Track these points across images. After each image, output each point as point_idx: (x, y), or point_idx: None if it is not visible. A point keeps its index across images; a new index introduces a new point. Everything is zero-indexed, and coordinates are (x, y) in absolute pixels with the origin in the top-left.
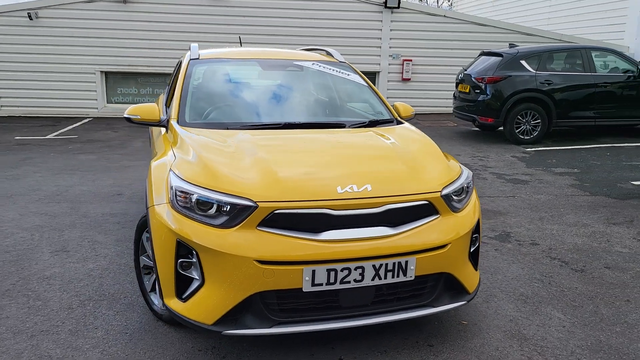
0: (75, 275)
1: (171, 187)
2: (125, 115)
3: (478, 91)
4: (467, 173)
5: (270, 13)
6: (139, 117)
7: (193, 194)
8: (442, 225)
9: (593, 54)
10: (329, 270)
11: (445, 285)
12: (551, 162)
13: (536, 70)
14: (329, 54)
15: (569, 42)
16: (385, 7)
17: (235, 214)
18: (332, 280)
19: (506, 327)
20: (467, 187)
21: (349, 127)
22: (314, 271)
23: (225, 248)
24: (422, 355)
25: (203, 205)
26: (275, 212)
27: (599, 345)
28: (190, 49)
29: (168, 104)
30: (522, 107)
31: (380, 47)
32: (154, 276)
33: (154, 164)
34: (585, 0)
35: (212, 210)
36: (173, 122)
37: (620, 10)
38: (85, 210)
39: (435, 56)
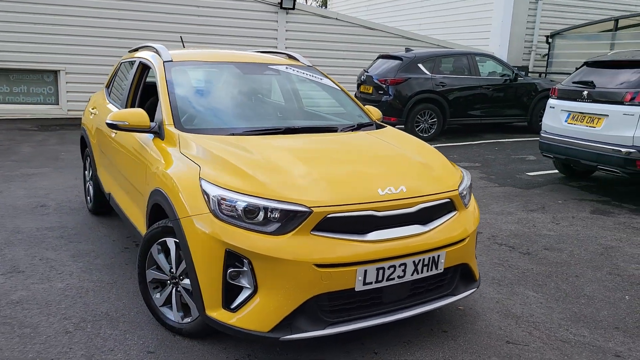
0: (49, 297)
1: (212, 196)
2: (110, 122)
3: (381, 92)
4: (466, 172)
5: (161, 9)
6: (127, 123)
7: (240, 202)
8: (460, 220)
9: (477, 59)
10: (378, 269)
11: (461, 274)
12: (453, 157)
13: (431, 73)
14: (292, 57)
15: (447, 47)
16: (281, 7)
17: (288, 220)
18: (380, 278)
19: (497, 308)
20: (470, 184)
21: (341, 130)
22: (365, 271)
23: (284, 254)
24: (441, 341)
25: (250, 213)
26: (328, 216)
27: (576, 316)
28: (157, 50)
29: (129, 106)
30: (420, 107)
31: (276, 47)
32: (169, 289)
33: (172, 173)
34: (454, 8)
35: (260, 218)
36: (170, 128)
37: (485, 19)
38: (14, 225)
39: (328, 57)
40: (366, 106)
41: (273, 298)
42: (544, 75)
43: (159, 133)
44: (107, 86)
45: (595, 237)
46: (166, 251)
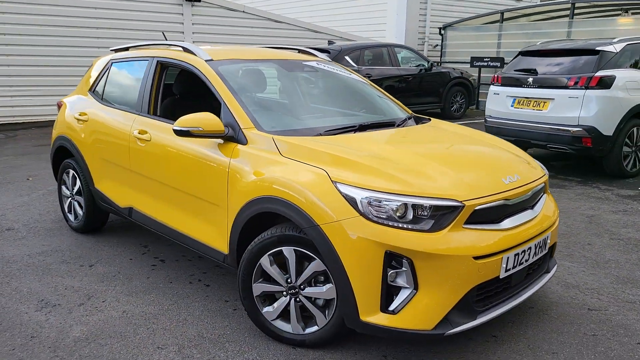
0: (116, 328)
1: (360, 199)
2: (180, 129)
3: None
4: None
5: (61, 1)
6: (202, 129)
7: (392, 202)
8: (549, 202)
9: (395, 50)
10: (515, 255)
11: (550, 252)
12: None
13: (357, 64)
14: (311, 53)
15: (352, 39)
16: (186, 0)
17: (441, 216)
18: (516, 263)
19: (553, 281)
20: None
21: (400, 124)
22: (507, 258)
23: (445, 250)
24: (537, 316)
25: (400, 212)
26: (476, 209)
27: (620, 279)
28: (189, 49)
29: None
30: None
31: (183, 40)
32: (285, 301)
33: (296, 180)
34: (353, 1)
35: (409, 216)
36: (253, 132)
37: (381, 12)
38: None
39: None
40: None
41: (435, 295)
42: (439, 64)
43: (234, 138)
44: (91, 89)
45: (573, 208)
46: (278, 262)
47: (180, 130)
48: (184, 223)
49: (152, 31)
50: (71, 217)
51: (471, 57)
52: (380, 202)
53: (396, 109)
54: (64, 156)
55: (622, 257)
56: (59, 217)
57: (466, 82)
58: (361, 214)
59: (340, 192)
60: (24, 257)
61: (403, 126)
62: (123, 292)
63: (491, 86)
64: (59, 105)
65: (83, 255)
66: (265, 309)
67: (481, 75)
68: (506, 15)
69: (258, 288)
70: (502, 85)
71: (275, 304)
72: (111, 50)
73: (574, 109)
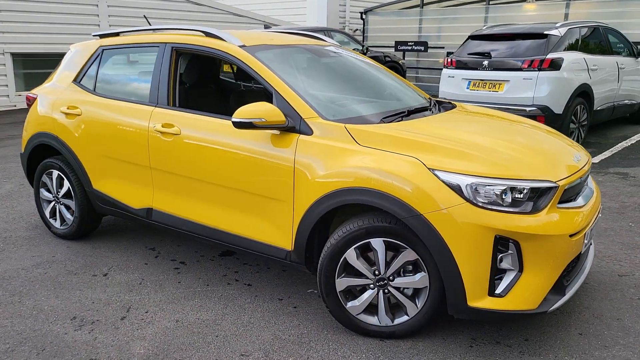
0: (186, 339)
1: (465, 185)
2: (243, 120)
3: None
4: None
5: None
6: (265, 120)
7: (497, 187)
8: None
9: (332, 34)
10: (589, 232)
11: None
12: None
13: None
14: (320, 38)
15: (275, 23)
16: None
17: (539, 197)
18: (588, 239)
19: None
20: None
21: (432, 109)
22: (586, 234)
23: (548, 231)
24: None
25: (503, 195)
26: (566, 188)
27: (627, 245)
28: (216, 34)
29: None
30: None
31: (99, 25)
32: (372, 293)
33: (389, 170)
34: None
35: (508, 199)
36: (318, 122)
37: None
38: None
39: None
40: None
41: (538, 275)
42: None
43: (295, 129)
44: (77, 80)
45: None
46: (364, 254)
47: (241, 122)
48: (229, 221)
49: (66, 14)
50: (55, 223)
51: (395, 42)
52: (484, 187)
53: (417, 93)
54: (43, 155)
55: (615, 225)
56: (32, 223)
57: (397, 65)
58: (467, 200)
59: (441, 180)
60: (20, 271)
61: (441, 111)
62: (163, 300)
63: (444, 69)
64: (29, 99)
65: (88, 264)
66: (350, 304)
67: (405, 59)
68: (426, 0)
69: (342, 283)
70: (457, 68)
71: (361, 298)
72: (94, 35)
73: (528, 89)
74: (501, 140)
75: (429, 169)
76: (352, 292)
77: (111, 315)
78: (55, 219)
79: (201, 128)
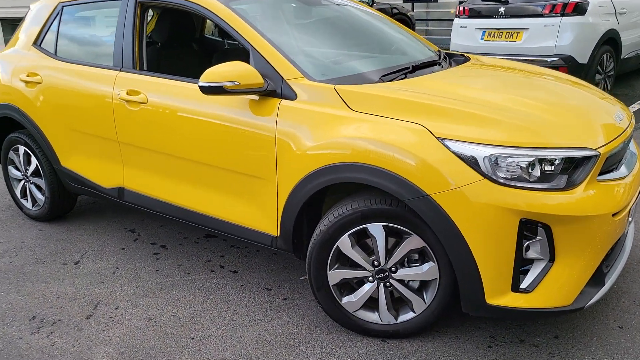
0: (168, 341)
1: (483, 158)
2: (211, 84)
3: None
4: None
5: None
6: (238, 83)
7: (522, 158)
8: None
9: None
10: (633, 207)
11: None
12: None
13: None
14: None
15: None
16: None
17: (574, 169)
18: (632, 214)
19: None
20: None
21: (442, 64)
22: (631, 210)
23: (587, 210)
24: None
25: (530, 169)
26: (608, 156)
27: None
28: None
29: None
30: None
31: None
32: (370, 287)
33: (387, 141)
34: None
35: (537, 172)
36: (304, 83)
37: None
38: None
39: None
40: None
41: (573, 265)
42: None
43: (275, 92)
44: (37, 43)
45: None
46: (360, 242)
47: (210, 86)
48: (207, 202)
49: None
50: (27, 203)
51: None
52: (506, 159)
53: (424, 45)
54: (8, 129)
55: None
56: (5, 204)
57: (405, 17)
58: (485, 176)
59: (453, 151)
60: None
61: (452, 65)
62: (136, 294)
63: (456, 19)
64: None
65: (60, 250)
66: (346, 299)
67: (414, 10)
68: None
69: (336, 275)
70: (470, 17)
71: (359, 292)
72: None
73: (549, 38)
74: (526, 98)
75: (437, 138)
76: (349, 285)
77: (76, 314)
78: (27, 199)
79: (171, 94)
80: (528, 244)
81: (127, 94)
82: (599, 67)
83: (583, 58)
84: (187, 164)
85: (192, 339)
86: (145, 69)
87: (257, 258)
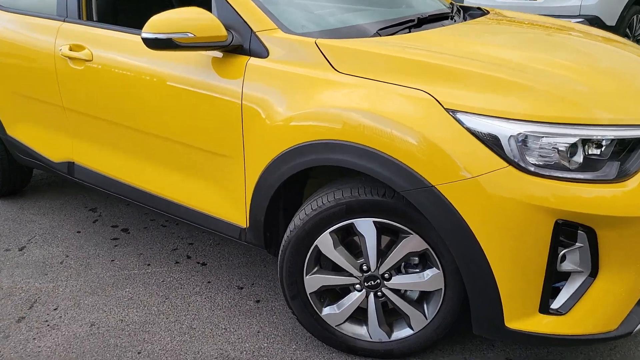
0: (109, 356)
1: (508, 138)
2: (157, 36)
3: None
4: None
5: None
6: (193, 35)
7: (562, 138)
8: None
9: None
10: None
11: None
12: None
13: None
14: None
15: None
16: None
17: (629, 154)
18: None
19: None
20: None
21: (454, 18)
22: None
23: None
24: None
25: (571, 153)
26: None
27: None
28: None
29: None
30: None
31: None
32: (357, 297)
33: (380, 113)
34: None
35: (579, 157)
36: (279, 38)
37: None
38: None
39: None
40: None
41: (621, 279)
42: None
43: (242, 48)
44: None
45: None
46: (345, 240)
47: (155, 39)
48: (167, 184)
49: None
50: None
51: None
52: (539, 140)
53: None
54: None
55: None
56: None
57: None
58: (510, 162)
59: (466, 128)
60: None
61: (467, 19)
62: (82, 290)
63: None
64: None
65: (5, 232)
66: (327, 310)
67: None
68: None
69: (314, 281)
70: None
71: (343, 303)
72: None
73: None
74: (562, 60)
75: (446, 110)
76: (331, 293)
77: (6, 316)
78: None
79: (119, 50)
80: (564, 253)
81: (70, 49)
82: (627, 30)
83: (611, 19)
84: (140, 136)
85: (139, 353)
86: (94, 19)
87: (232, 247)
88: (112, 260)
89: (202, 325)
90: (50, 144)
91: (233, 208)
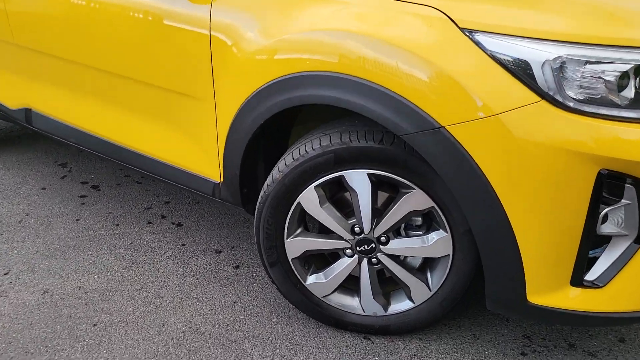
0: (59, 328)
1: (544, 63)
2: None
3: None
4: None
5: None
6: None
7: (610, 65)
8: None
9: None
10: None
11: None
12: None
13: None
14: None
15: None
16: None
17: None
18: None
19: None
20: None
21: None
22: None
23: None
24: None
25: (618, 84)
26: None
27: None
28: None
29: None
30: None
31: None
32: (347, 263)
33: (386, 38)
34: None
35: (630, 92)
36: None
37: None
38: None
39: None
40: None
41: None
42: None
43: None
44: None
45: None
46: (332, 197)
47: None
48: (132, 133)
49: None
50: None
51: None
52: (582, 67)
53: None
54: None
55: None
56: None
57: None
58: (544, 95)
59: (488, 53)
60: None
61: None
62: (39, 253)
63: None
64: None
65: None
66: (312, 279)
67: None
68: None
69: (297, 245)
70: None
71: (331, 270)
72: None
73: None
74: None
75: (462, 30)
76: (317, 258)
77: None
78: None
79: None
80: (607, 212)
81: None
82: None
83: None
84: (100, 76)
85: (94, 325)
86: None
87: (213, 206)
88: (76, 220)
89: (171, 294)
90: (6, 88)
91: (205, 160)
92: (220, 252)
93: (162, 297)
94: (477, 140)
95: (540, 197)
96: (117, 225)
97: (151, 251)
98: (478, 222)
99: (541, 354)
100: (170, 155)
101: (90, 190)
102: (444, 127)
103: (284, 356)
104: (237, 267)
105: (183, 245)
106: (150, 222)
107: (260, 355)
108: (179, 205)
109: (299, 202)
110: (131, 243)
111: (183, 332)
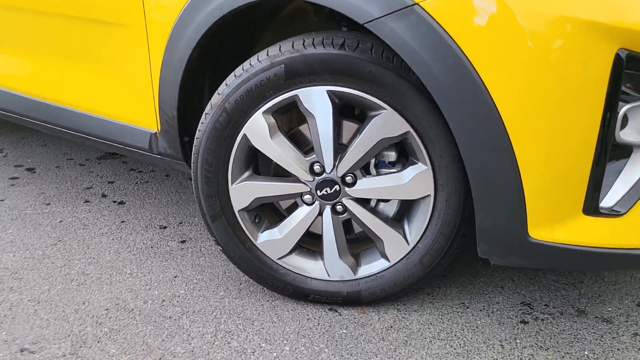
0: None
1: None
2: None
3: None
4: None
5: None
6: None
7: None
8: None
9: None
10: None
11: None
12: None
13: None
14: None
15: None
16: None
17: None
18: None
19: None
20: None
21: None
22: None
23: None
24: None
25: None
26: None
27: None
28: None
29: None
30: None
31: None
32: (314, 210)
33: None
34: None
35: None
36: None
37: None
38: None
39: None
40: None
41: None
42: None
43: None
44: None
45: None
46: (285, 127)
47: None
48: (52, 82)
49: None
50: None
51: None
52: None
53: None
54: None
55: None
56: None
57: None
58: None
59: None
60: None
61: None
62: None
63: None
64: None
65: None
66: (264, 237)
67: None
68: None
69: (245, 192)
70: None
71: (286, 224)
72: None
73: None
74: None
75: None
76: (270, 210)
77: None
78: None
79: None
80: (626, 111)
81: None
82: None
83: None
84: (13, 15)
85: (10, 309)
86: None
87: (162, 184)
88: (1, 200)
89: (98, 271)
90: None
91: (139, 105)
92: (165, 227)
93: (87, 274)
94: (461, 19)
95: (543, 94)
96: (48, 204)
97: (83, 229)
98: (466, 135)
99: (545, 322)
100: (97, 104)
101: (24, 172)
102: (417, 4)
103: (230, 332)
104: (183, 241)
105: (122, 222)
106: (88, 201)
107: (200, 332)
108: (124, 184)
109: (244, 135)
110: (60, 221)
111: (107, 309)
